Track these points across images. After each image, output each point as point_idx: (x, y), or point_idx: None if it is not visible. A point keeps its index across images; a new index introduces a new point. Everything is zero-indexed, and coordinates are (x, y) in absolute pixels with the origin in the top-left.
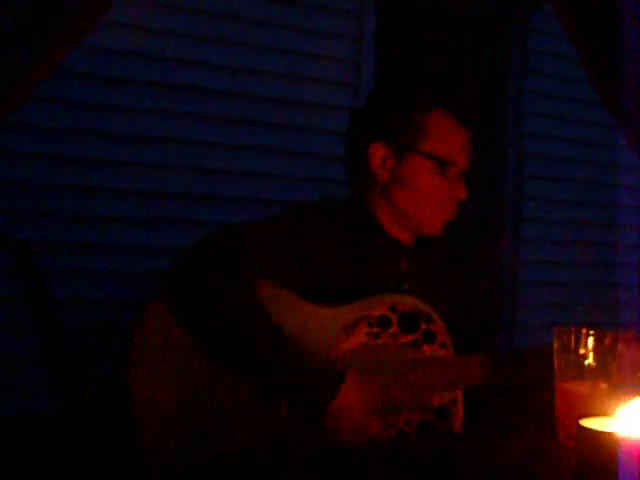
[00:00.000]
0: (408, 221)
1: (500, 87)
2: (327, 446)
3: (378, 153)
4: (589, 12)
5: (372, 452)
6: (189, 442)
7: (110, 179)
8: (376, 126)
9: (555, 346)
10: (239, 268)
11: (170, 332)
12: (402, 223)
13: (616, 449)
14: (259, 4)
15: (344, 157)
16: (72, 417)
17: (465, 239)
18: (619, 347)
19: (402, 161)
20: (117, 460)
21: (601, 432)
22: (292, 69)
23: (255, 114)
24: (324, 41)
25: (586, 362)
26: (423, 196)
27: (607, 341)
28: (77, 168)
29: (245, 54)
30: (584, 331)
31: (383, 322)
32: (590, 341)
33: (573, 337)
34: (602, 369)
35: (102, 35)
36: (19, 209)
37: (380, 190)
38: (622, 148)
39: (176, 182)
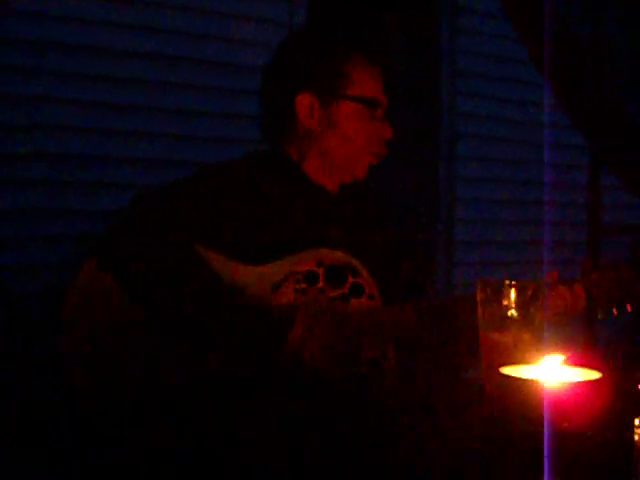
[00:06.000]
0: (338, 166)
1: (432, 66)
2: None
3: (305, 103)
4: None
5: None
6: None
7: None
8: (299, 77)
9: (479, 298)
10: (172, 230)
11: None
12: (330, 169)
13: (539, 395)
14: None
15: (262, 110)
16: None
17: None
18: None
19: (330, 108)
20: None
21: (524, 379)
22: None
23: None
24: None
25: (509, 313)
26: (354, 140)
27: (529, 292)
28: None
29: None
30: (507, 282)
31: (310, 278)
32: (512, 292)
33: (496, 289)
34: (525, 320)
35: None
36: None
37: (307, 139)
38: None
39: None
